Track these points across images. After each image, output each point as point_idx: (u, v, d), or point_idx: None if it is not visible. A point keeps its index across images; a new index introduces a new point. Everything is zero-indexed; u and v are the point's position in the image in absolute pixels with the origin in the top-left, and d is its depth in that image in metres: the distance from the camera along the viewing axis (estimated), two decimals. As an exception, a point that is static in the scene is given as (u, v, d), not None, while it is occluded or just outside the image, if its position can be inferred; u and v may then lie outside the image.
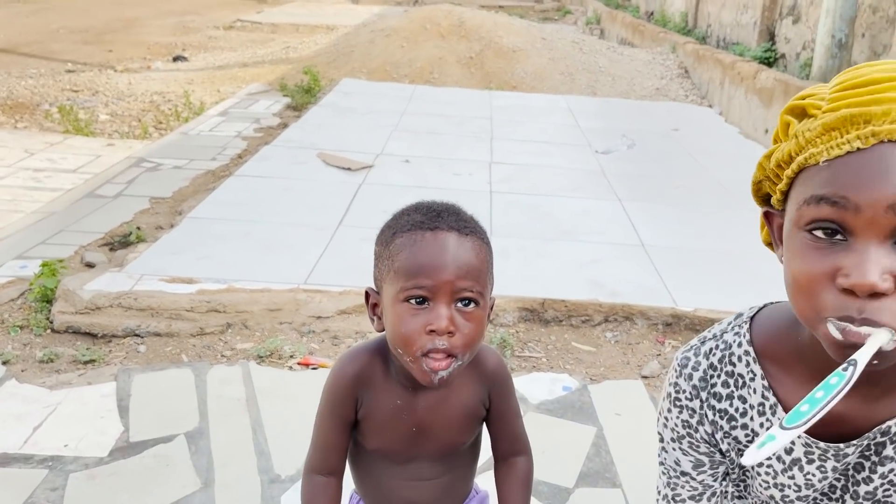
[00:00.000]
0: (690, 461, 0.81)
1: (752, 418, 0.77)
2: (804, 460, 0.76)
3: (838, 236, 0.62)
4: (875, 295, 0.59)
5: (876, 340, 0.60)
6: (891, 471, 0.74)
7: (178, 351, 2.13)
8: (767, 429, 0.75)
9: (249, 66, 8.85)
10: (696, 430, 0.79)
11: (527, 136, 4.62)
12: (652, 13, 13.30)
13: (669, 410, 0.81)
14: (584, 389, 2.01)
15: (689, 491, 0.83)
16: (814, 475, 0.76)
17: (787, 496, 0.80)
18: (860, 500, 0.77)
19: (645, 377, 2.18)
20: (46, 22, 11.77)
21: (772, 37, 8.58)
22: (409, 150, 4.11)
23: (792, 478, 0.77)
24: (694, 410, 0.78)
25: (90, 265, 2.57)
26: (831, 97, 0.65)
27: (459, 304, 0.91)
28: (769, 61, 8.23)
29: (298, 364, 2.09)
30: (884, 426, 0.71)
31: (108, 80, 7.97)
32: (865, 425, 0.72)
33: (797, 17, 8.03)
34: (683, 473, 0.82)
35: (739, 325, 0.78)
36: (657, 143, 4.77)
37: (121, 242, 2.76)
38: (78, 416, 1.76)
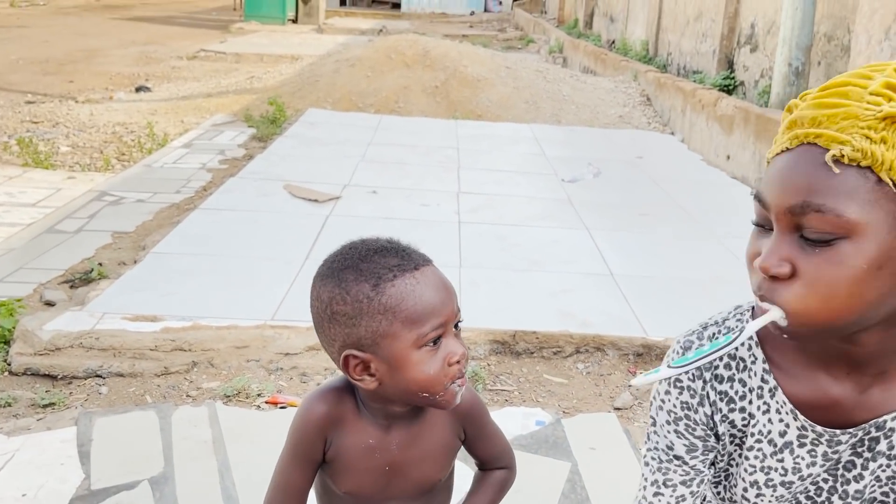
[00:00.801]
0: (685, 444, 0.83)
1: (750, 401, 0.79)
2: (796, 443, 0.78)
3: (768, 226, 0.71)
4: (774, 278, 0.68)
5: (769, 316, 0.69)
6: (880, 467, 0.76)
7: (141, 392, 2.07)
8: (765, 413, 0.79)
9: (213, 96, 8.79)
10: (696, 412, 0.81)
11: (494, 166, 4.65)
12: (613, 42, 13.59)
13: (668, 392, 0.83)
14: (558, 423, 2.00)
15: (680, 476, 0.83)
16: (802, 459, 0.78)
17: (772, 480, 0.80)
18: (849, 500, 0.78)
19: (618, 409, 2.17)
20: (5, 53, 11.59)
21: (731, 65, 8.82)
22: (376, 180, 4.10)
23: (781, 461, 0.79)
24: (695, 391, 0.81)
25: (50, 303, 2.49)
26: (808, 98, 0.72)
27: (454, 329, 0.94)
28: (729, 89, 8.44)
29: (266, 403, 2.05)
30: (880, 420, 0.74)
31: (68, 111, 7.85)
32: (861, 417, 0.75)
33: (755, 46, 8.27)
34: (676, 457, 0.83)
35: (741, 313, 0.83)
36: (622, 170, 4.84)
37: (81, 279, 2.69)
38: (37, 463, 1.69)
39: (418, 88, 7.74)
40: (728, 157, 5.98)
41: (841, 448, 0.76)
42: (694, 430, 0.82)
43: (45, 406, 1.96)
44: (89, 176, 4.65)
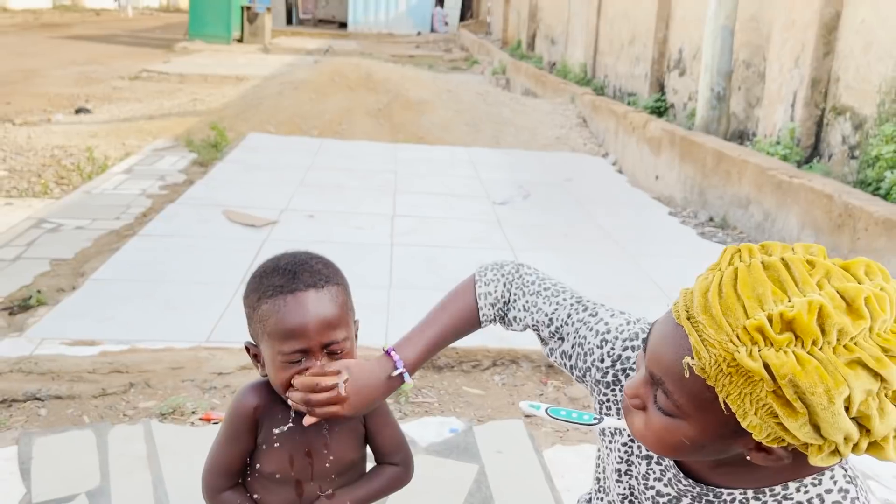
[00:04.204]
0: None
1: None
2: (656, 461, 0.96)
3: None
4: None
5: (621, 424, 0.89)
6: None
7: (79, 413, 2.19)
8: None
9: (156, 118, 8.80)
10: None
11: (430, 189, 4.86)
12: (554, 63, 14.02)
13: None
14: (470, 430, 2.20)
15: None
16: (653, 472, 0.95)
17: (630, 471, 0.98)
18: None
19: (528, 416, 2.38)
20: (-61, 73, 11.34)
21: (662, 88, 9.26)
22: (314, 204, 4.27)
23: (631, 465, 0.97)
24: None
25: (-11, 330, 2.58)
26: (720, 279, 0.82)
27: (328, 353, 1.10)
28: (661, 110, 8.85)
29: (200, 420, 2.19)
30: (716, 489, 0.88)
31: (5, 133, 7.76)
32: (710, 482, 0.89)
33: (683, 71, 8.71)
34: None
35: None
36: (551, 192, 5.11)
37: (20, 307, 2.79)
38: (-23, 482, 1.80)
39: (362, 111, 7.91)
40: (657, 177, 6.32)
41: (684, 488, 0.92)
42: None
43: (-15, 428, 2.06)
44: (27, 202, 4.68)
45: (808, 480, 0.82)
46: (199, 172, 4.96)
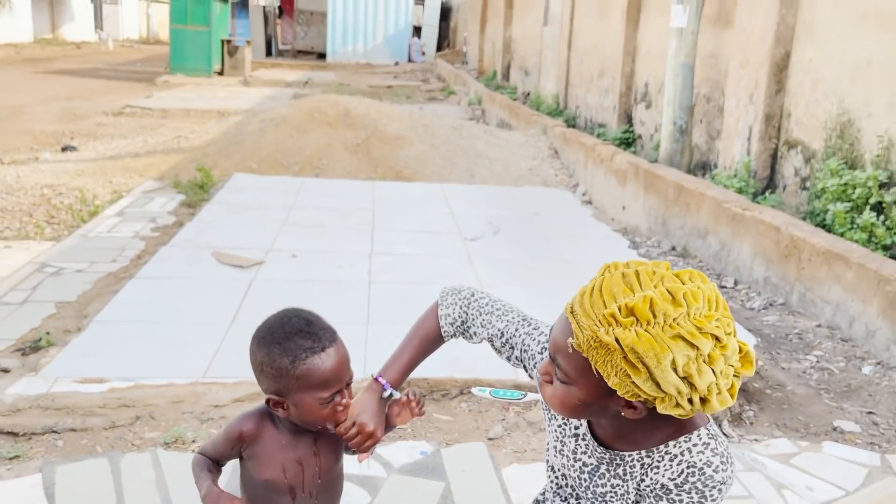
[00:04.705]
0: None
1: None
2: (581, 437, 1.27)
3: None
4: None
5: (538, 397, 1.22)
6: (615, 485, 1.23)
7: (92, 443, 2.48)
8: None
9: (141, 155, 9.05)
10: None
11: (405, 226, 5.21)
12: (528, 94, 14.47)
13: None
14: (438, 453, 2.51)
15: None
16: (580, 448, 1.27)
17: (562, 450, 1.30)
18: (596, 499, 1.26)
19: (491, 439, 2.70)
20: (-76, 111, 11.49)
21: (630, 119, 9.68)
22: (296, 244, 4.59)
23: (565, 444, 1.29)
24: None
25: (5, 370, 2.87)
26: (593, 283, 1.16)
27: (346, 386, 1.44)
28: (629, 141, 9.24)
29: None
30: (615, 452, 1.20)
31: (-7, 173, 7.94)
32: (616, 448, 1.22)
33: (649, 103, 9.16)
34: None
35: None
36: (519, 227, 5.47)
37: (31, 347, 3.07)
38: (10, 505, 2.09)
39: (341, 146, 8.21)
40: (623, 208, 6.69)
41: (598, 455, 1.24)
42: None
43: (11, 458, 2.35)
44: (24, 244, 4.95)
45: (681, 439, 1.14)
46: (188, 214, 5.26)
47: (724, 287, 4.91)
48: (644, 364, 1.03)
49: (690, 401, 1.05)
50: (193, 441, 2.50)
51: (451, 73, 19.53)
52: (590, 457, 1.25)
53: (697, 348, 1.03)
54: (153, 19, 39.89)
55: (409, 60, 25.52)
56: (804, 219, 5.21)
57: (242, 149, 8.02)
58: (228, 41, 18.83)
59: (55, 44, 29.21)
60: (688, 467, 1.11)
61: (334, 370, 1.42)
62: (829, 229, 4.82)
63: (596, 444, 1.23)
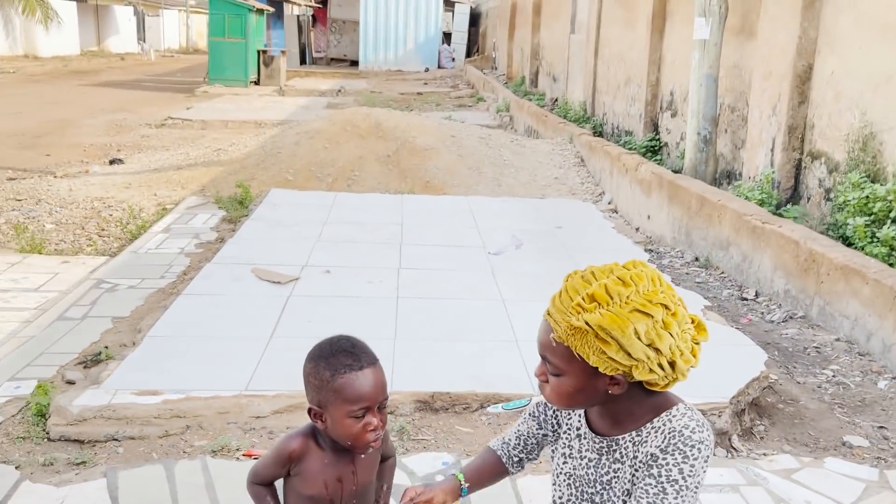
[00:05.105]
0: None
1: (572, 417, 1.56)
2: (583, 436, 1.50)
3: None
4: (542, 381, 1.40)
5: (540, 398, 1.45)
6: (616, 470, 1.39)
7: (149, 451, 2.78)
8: (577, 426, 1.49)
9: (183, 168, 9.45)
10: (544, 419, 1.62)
11: (431, 241, 5.46)
12: (556, 100, 14.60)
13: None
14: (458, 463, 2.75)
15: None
16: (584, 447, 1.48)
17: (570, 452, 1.52)
18: (603, 489, 1.47)
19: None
20: (-16, 126, 12.05)
21: (656, 127, 9.78)
22: (329, 260, 4.87)
23: (571, 448, 1.51)
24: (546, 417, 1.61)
25: (70, 382, 3.19)
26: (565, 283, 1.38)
27: (378, 409, 1.67)
28: (655, 149, 9.33)
29: (244, 455, 2.76)
30: (611, 438, 1.40)
31: (48, 186, 8.41)
32: (610, 434, 1.46)
33: (674, 112, 9.25)
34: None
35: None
36: (542, 241, 5.68)
37: (93, 360, 3.39)
38: (81, 506, 2.39)
39: (372, 158, 8.48)
40: (648, 217, 6.83)
41: (596, 444, 1.46)
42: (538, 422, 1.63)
43: (78, 464, 2.65)
44: (80, 259, 5.32)
45: (662, 414, 1.34)
46: (229, 230, 5.58)
47: (746, 299, 5.02)
48: (612, 337, 1.25)
49: (661, 366, 1.28)
50: (237, 449, 2.78)
51: (480, 78, 19.71)
52: (591, 451, 1.45)
53: (652, 316, 1.26)
54: (192, 29, 40.93)
55: (440, 67, 25.78)
56: (827, 231, 5.29)
57: (279, 161, 8.33)
58: (264, 51, 19.33)
59: (101, 56, 30.19)
60: (669, 432, 1.31)
61: (368, 388, 1.65)
62: (850, 243, 4.90)
63: (594, 435, 1.45)
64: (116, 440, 2.83)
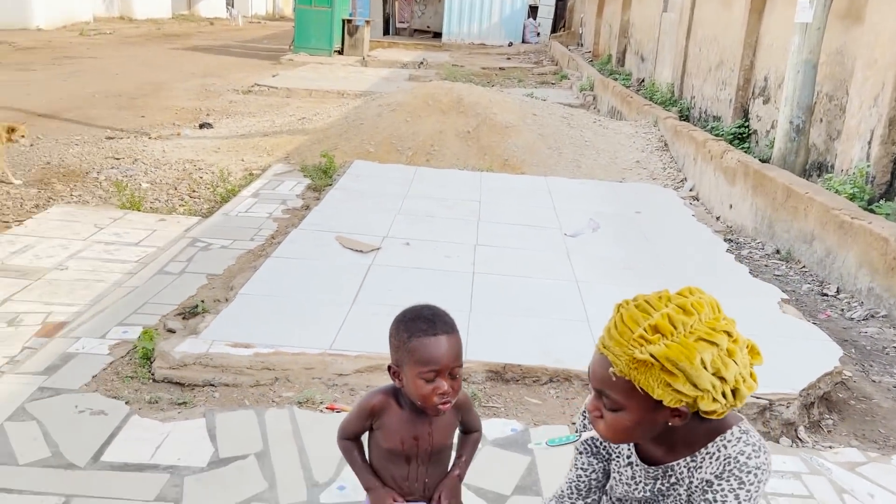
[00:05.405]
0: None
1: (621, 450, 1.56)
2: (634, 464, 1.51)
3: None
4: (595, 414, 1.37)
5: (593, 434, 1.43)
6: (677, 493, 1.39)
7: (241, 397, 3.01)
8: (627, 456, 1.47)
9: (269, 135, 9.79)
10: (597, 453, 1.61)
11: (509, 219, 5.55)
12: (643, 80, 14.29)
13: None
14: (526, 431, 2.88)
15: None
16: (636, 476, 1.51)
17: (621, 479, 1.48)
18: None
19: (573, 423, 3.03)
20: (82, 86, 12.76)
21: (746, 114, 9.50)
22: (409, 232, 5.03)
23: (622, 474, 1.53)
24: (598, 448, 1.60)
25: (171, 331, 3.47)
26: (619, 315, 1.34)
27: (450, 376, 1.80)
28: (743, 136, 9.08)
29: (326, 408, 2.96)
30: (669, 465, 1.39)
31: (144, 147, 8.88)
32: (665, 462, 1.40)
33: (767, 98, 8.97)
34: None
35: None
36: (619, 225, 5.68)
37: (191, 312, 3.66)
38: (183, 441, 2.63)
39: (452, 133, 8.56)
40: (731, 206, 6.72)
41: (651, 474, 1.41)
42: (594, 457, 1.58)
43: (179, 404, 2.91)
44: (175, 218, 5.66)
45: (717, 439, 1.33)
46: (314, 198, 5.82)
47: (826, 294, 4.93)
48: (679, 369, 1.22)
49: (724, 394, 1.25)
50: (321, 403, 2.98)
51: (564, 55, 19.41)
52: (645, 478, 1.44)
53: (717, 345, 1.24)
54: (279, -4, 41.62)
55: (524, 41, 25.49)
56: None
57: (360, 132, 8.52)
58: (349, 21, 19.57)
59: (191, 20, 31.18)
60: (724, 459, 1.30)
61: (439, 353, 1.78)
62: (945, 243, 4.72)
63: (646, 465, 1.43)
64: (213, 385, 3.07)
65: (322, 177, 6.30)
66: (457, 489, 2.01)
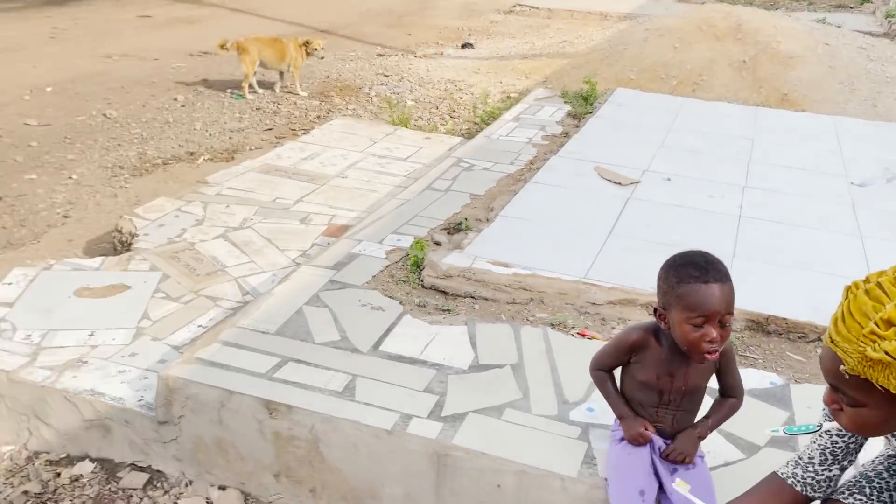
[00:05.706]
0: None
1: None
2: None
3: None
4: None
5: (834, 426, 1.44)
6: None
7: (498, 312, 3.20)
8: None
9: (528, 58, 9.84)
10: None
11: (784, 162, 5.08)
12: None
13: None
14: (787, 386, 2.72)
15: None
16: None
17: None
18: None
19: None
20: (358, 3, 13.68)
21: None
22: (671, 168, 4.84)
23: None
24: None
25: (437, 243, 3.75)
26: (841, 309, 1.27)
27: (719, 324, 1.77)
28: None
29: (578, 334, 3.05)
30: None
31: (410, 65, 9.41)
32: None
33: None
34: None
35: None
36: (919, 177, 4.94)
37: (455, 228, 3.92)
38: (448, 343, 2.89)
39: (724, 63, 7.95)
40: None
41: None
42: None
43: (443, 311, 3.17)
44: (439, 137, 6.00)
45: None
46: (573, 125, 5.80)
47: None
48: None
49: None
50: (573, 327, 3.07)
51: (867, -26, 16.74)
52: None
53: None
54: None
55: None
56: None
57: (623, 58, 8.23)
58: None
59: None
60: None
61: (709, 301, 1.74)
62: None
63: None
64: (473, 298, 3.30)
65: (583, 104, 6.23)
66: (692, 446, 1.99)
